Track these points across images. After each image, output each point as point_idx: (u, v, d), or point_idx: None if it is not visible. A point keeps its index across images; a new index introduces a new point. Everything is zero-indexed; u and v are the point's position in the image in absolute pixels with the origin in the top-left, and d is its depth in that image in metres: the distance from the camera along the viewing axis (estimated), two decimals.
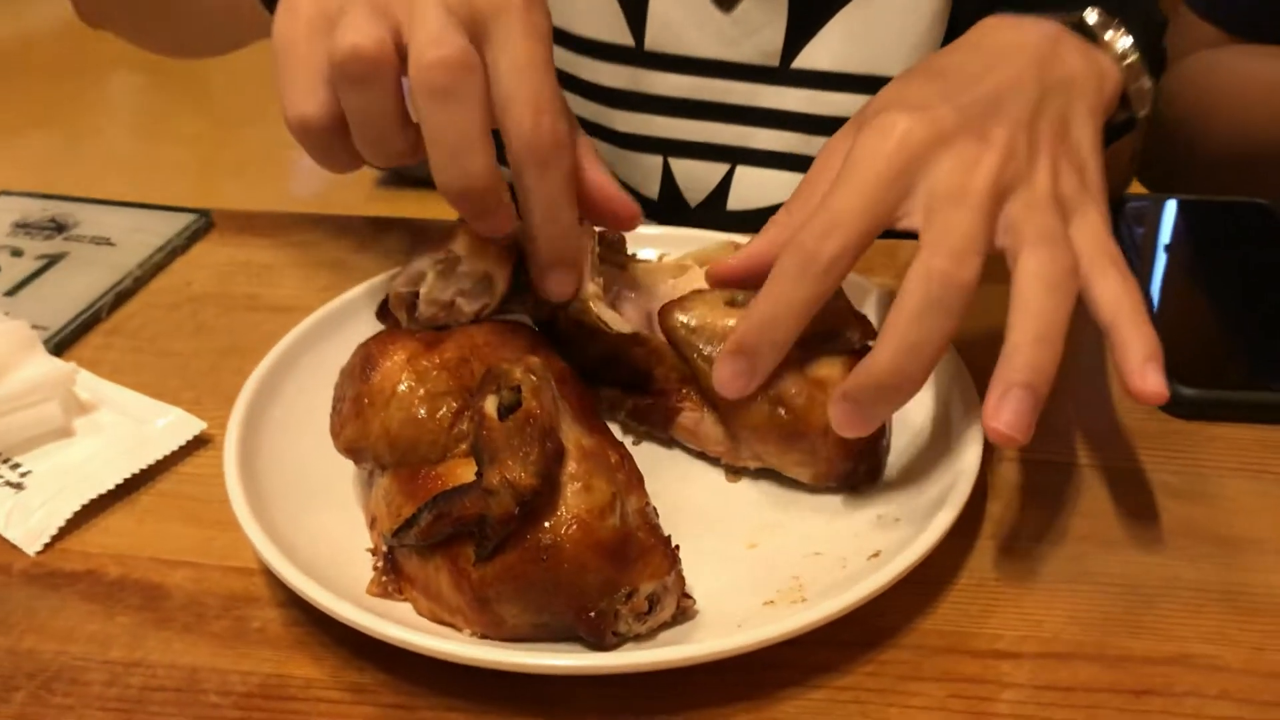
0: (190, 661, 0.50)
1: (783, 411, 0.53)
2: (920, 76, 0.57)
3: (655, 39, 0.83)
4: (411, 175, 2.22)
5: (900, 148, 0.50)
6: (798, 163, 0.84)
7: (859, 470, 0.55)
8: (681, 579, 0.50)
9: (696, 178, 0.86)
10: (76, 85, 3.25)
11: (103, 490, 0.59)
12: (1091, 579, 0.52)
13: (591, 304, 0.57)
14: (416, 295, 0.56)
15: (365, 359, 0.54)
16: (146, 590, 0.54)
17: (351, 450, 0.53)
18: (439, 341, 0.54)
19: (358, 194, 2.61)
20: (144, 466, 0.60)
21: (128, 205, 0.85)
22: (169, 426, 0.63)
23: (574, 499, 0.47)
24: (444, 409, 0.51)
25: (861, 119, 0.54)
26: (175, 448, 0.62)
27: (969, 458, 0.54)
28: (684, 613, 0.50)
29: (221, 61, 0.96)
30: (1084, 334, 0.63)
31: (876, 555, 0.52)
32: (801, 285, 0.49)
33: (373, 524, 0.54)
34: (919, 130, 0.50)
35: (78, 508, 0.57)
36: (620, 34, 0.83)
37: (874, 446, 0.55)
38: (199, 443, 0.63)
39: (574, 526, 0.47)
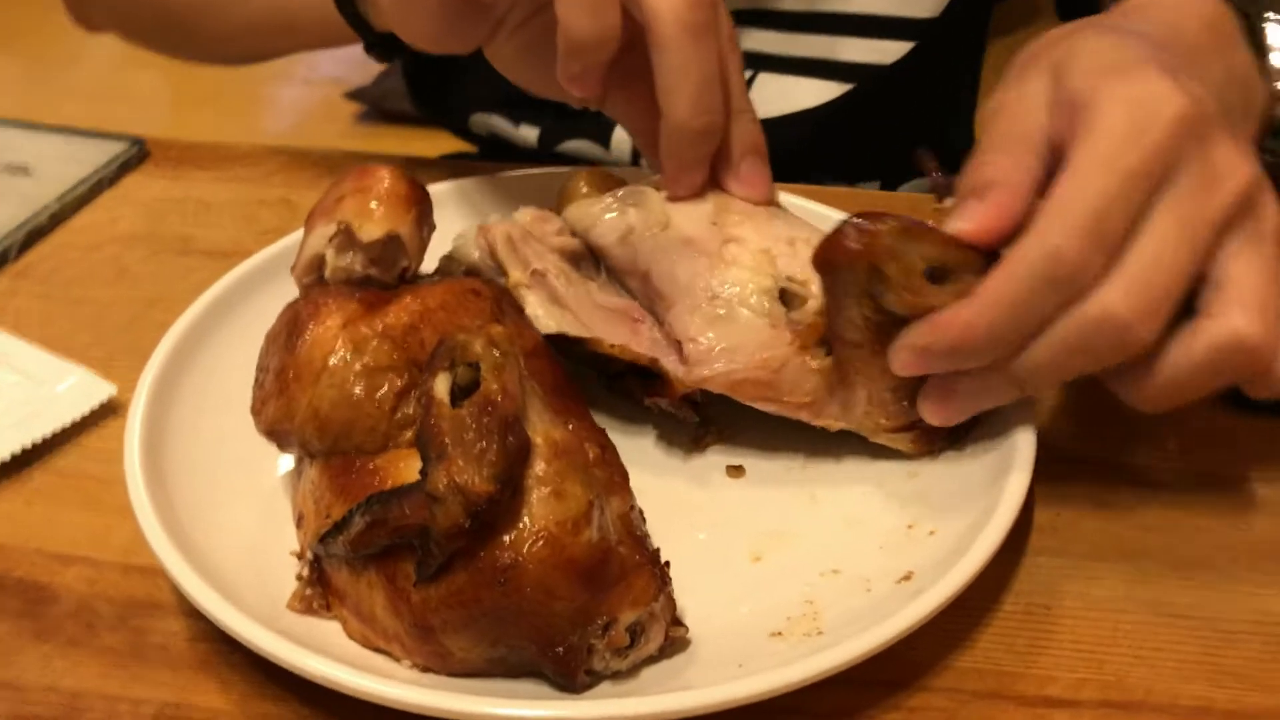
0: (72, 685, 0.42)
1: None
2: (1134, 37, 0.45)
3: None
4: (391, 109, 2.13)
5: (1173, 132, 0.40)
6: (826, 68, 0.76)
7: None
8: (672, 602, 0.41)
9: None
10: (41, 7, 3.13)
11: None
12: (1162, 609, 0.44)
13: (522, 294, 0.48)
14: (322, 279, 0.48)
15: (292, 323, 0.45)
16: (29, 592, 0.46)
17: (274, 433, 0.45)
18: (383, 303, 0.45)
19: (336, 129, 2.50)
20: (39, 439, 0.52)
21: (51, 129, 0.75)
22: (72, 390, 0.54)
23: (541, 508, 0.38)
24: (385, 387, 0.43)
25: (1076, 66, 0.43)
26: (78, 416, 0.53)
27: (1019, 460, 0.45)
28: (674, 644, 0.41)
29: None
30: None
31: (908, 578, 0.43)
32: (1050, 296, 0.41)
33: (300, 522, 0.45)
34: (1191, 111, 0.41)
35: None
36: None
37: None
38: (107, 410, 0.54)
39: (540, 543, 0.38)
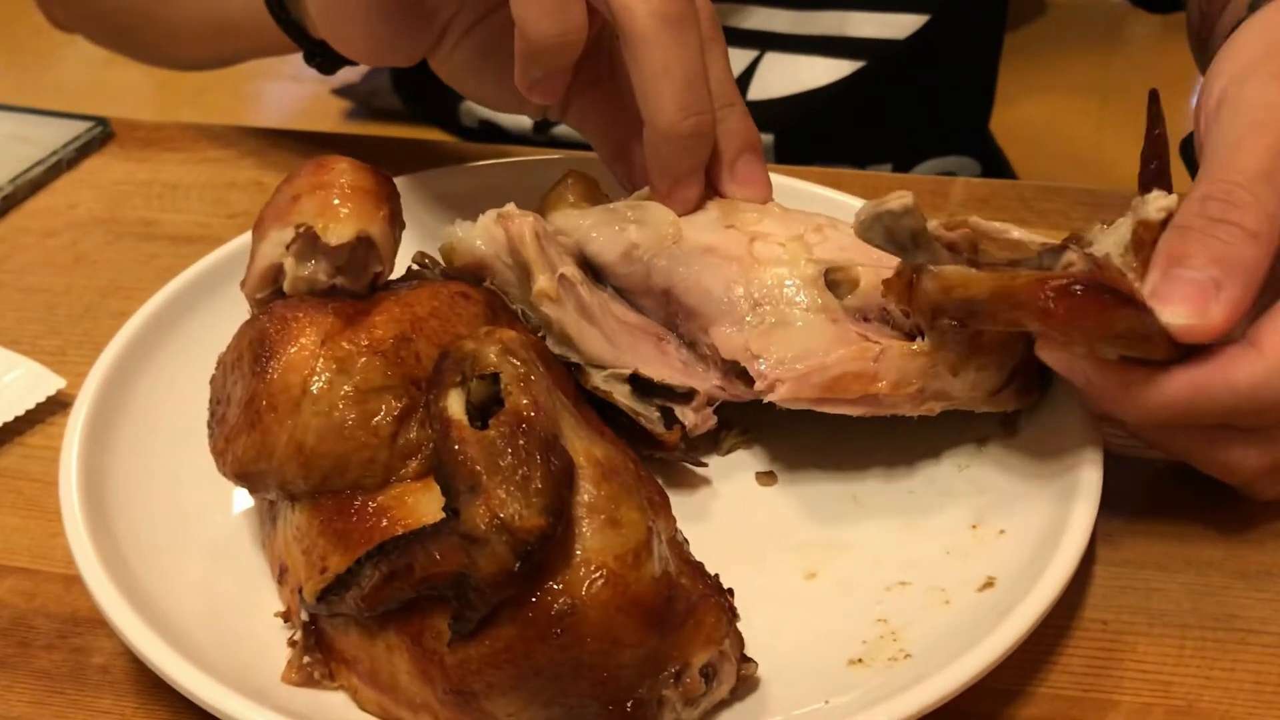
0: (1, 712, 0.36)
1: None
2: None
3: None
4: (380, 107, 2.08)
5: None
6: (836, 45, 0.72)
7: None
8: (740, 638, 0.33)
9: None
10: (24, 3, 3.09)
11: None
12: (1235, 624, 0.38)
13: (546, 309, 0.40)
14: (280, 294, 0.39)
15: (259, 344, 0.35)
16: None
17: (246, 475, 0.35)
18: (363, 314, 0.36)
19: (323, 127, 2.46)
20: None
21: (8, 108, 0.66)
22: (17, 383, 0.46)
23: (596, 540, 0.31)
24: (382, 411, 0.35)
25: None
26: (21, 412, 0.45)
27: (1088, 455, 0.39)
28: (745, 682, 0.33)
29: None
30: None
31: (990, 585, 0.36)
32: None
33: (282, 576, 0.36)
34: None
35: None
36: None
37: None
38: (54, 406, 0.46)
39: (600, 582, 0.30)
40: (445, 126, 0.81)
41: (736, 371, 0.41)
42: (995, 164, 0.90)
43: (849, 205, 0.51)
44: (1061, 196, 0.60)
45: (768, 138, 0.71)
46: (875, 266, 0.40)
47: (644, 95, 0.40)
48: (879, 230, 0.39)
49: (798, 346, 0.39)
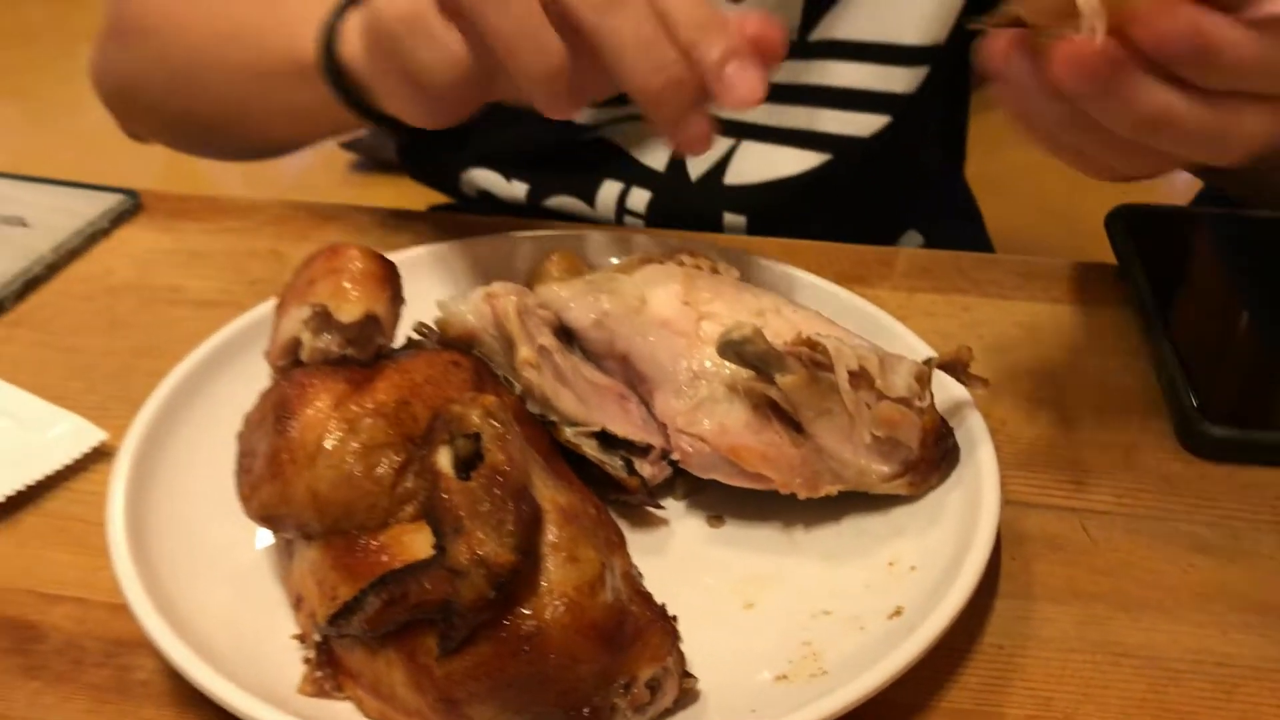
0: (59, 719, 0.41)
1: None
2: None
3: None
4: (387, 160, 2.15)
5: None
6: (805, 138, 0.76)
7: (947, 445, 0.47)
8: (682, 656, 0.39)
9: None
10: (44, 53, 2.93)
11: None
12: (1110, 648, 0.43)
13: (527, 375, 0.46)
14: (298, 361, 0.45)
15: (280, 406, 0.41)
16: (20, 630, 0.44)
17: (269, 518, 0.41)
18: (368, 380, 0.42)
19: (331, 178, 2.50)
20: (31, 481, 0.49)
21: (47, 181, 0.71)
22: (64, 435, 0.51)
23: (558, 574, 0.37)
24: (384, 464, 0.40)
25: None
26: (69, 460, 0.50)
27: (988, 493, 0.45)
28: (687, 695, 0.39)
29: None
30: (1103, 362, 0.58)
31: (898, 613, 0.42)
32: None
33: (298, 603, 0.41)
34: None
35: None
36: None
37: (947, 430, 0.48)
38: (97, 455, 0.51)
39: (561, 608, 0.36)
40: (445, 192, 0.86)
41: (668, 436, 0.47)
42: (971, 220, 0.95)
43: (803, 280, 0.58)
44: (998, 267, 0.67)
45: (741, 219, 0.75)
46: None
47: (613, 72, 0.46)
48: (733, 355, 0.45)
49: (718, 422, 0.45)
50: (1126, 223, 0.65)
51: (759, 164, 0.76)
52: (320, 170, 2.47)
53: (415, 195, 0.89)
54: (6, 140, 2.51)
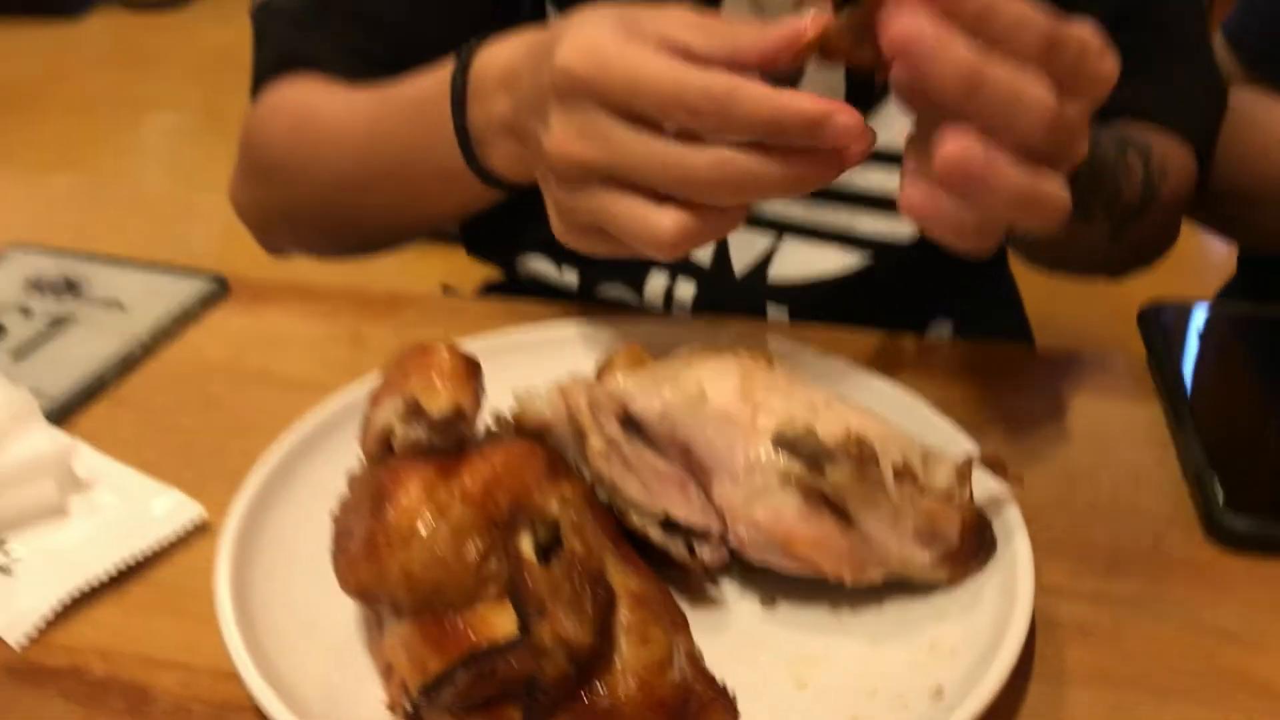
0: None
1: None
2: None
3: None
4: (446, 229, 2.18)
5: None
6: (845, 239, 0.79)
7: (985, 537, 0.51)
8: None
9: (745, 245, 0.81)
10: (103, 125, 2.98)
11: (94, 579, 0.52)
12: None
13: (597, 464, 0.49)
14: (390, 448, 0.49)
15: (377, 492, 0.45)
16: (131, 692, 0.47)
17: (365, 594, 0.45)
18: (455, 469, 0.46)
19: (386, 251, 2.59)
20: (137, 554, 0.53)
21: (141, 266, 0.76)
22: (167, 510, 0.56)
23: (631, 653, 0.40)
24: (470, 548, 0.44)
25: None
26: (171, 534, 0.54)
27: (1023, 581, 0.48)
28: None
29: None
30: (1134, 454, 0.61)
31: (939, 694, 0.45)
32: None
33: (388, 673, 0.45)
34: None
35: (67, 597, 0.51)
36: None
37: (984, 523, 0.51)
38: (197, 529, 0.55)
39: (634, 686, 0.40)
40: (502, 270, 0.90)
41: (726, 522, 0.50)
42: (1010, 306, 0.98)
43: (850, 372, 0.62)
44: (1033, 358, 0.71)
45: (783, 312, 0.78)
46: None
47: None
48: (786, 449, 0.49)
49: (772, 511, 0.49)
50: (1157, 318, 0.69)
51: (801, 262, 0.79)
52: None
53: (469, 266, 0.94)
54: (68, 212, 2.58)
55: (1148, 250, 0.80)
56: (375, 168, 0.71)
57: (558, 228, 0.56)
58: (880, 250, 0.79)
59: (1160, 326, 0.68)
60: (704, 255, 0.81)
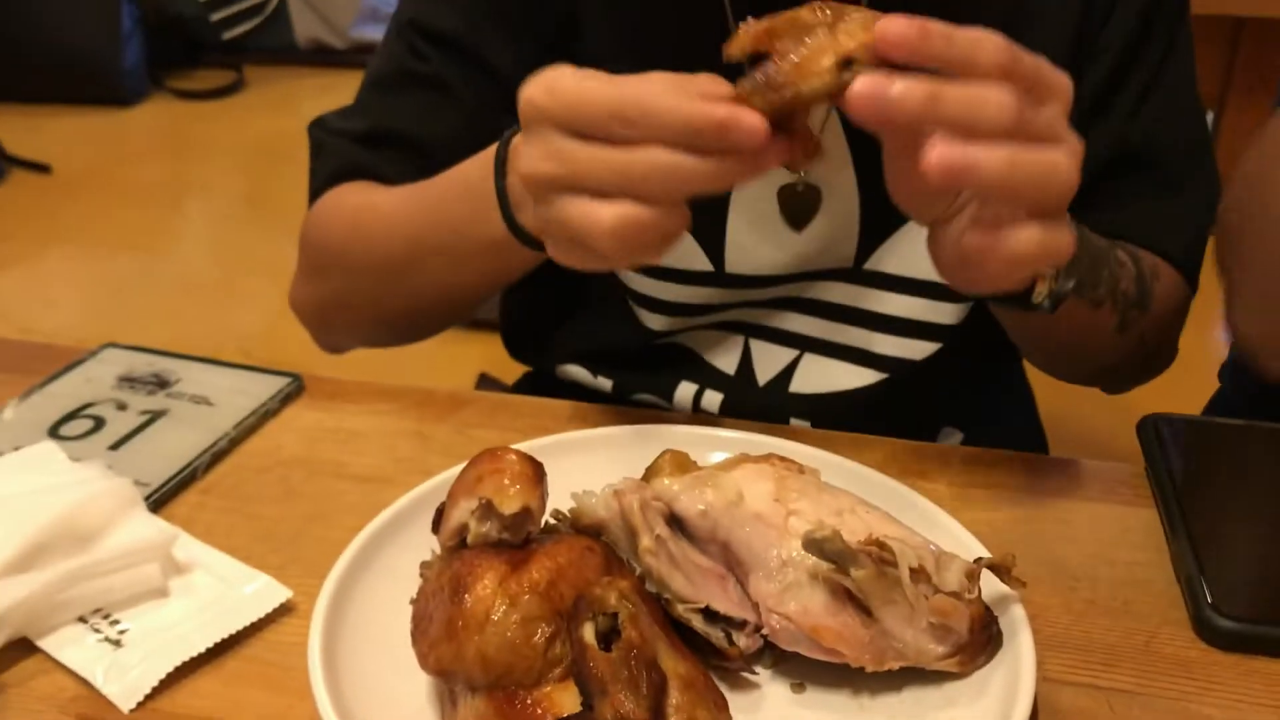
0: None
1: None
2: None
3: (734, 262, 0.82)
4: (484, 318, 2.24)
5: None
6: (863, 357, 0.84)
7: (992, 632, 0.56)
8: None
9: (769, 358, 0.86)
10: (159, 211, 3.08)
11: (194, 653, 0.58)
12: None
13: (647, 560, 0.55)
14: (464, 542, 0.55)
15: (455, 582, 0.52)
16: None
17: (443, 672, 0.51)
18: (524, 563, 0.52)
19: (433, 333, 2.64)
20: (232, 631, 0.59)
21: (225, 365, 0.84)
22: (257, 593, 0.62)
23: None
24: (538, 633, 0.50)
25: None
26: (262, 614, 0.60)
27: (1026, 673, 0.53)
28: None
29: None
30: (1131, 557, 0.66)
31: None
32: None
33: None
34: None
35: (171, 669, 0.57)
36: (699, 261, 0.82)
37: (991, 618, 0.56)
38: (284, 610, 0.61)
39: None
40: (541, 367, 0.96)
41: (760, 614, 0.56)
42: (1022, 409, 1.03)
43: (873, 478, 0.68)
44: (1039, 467, 0.76)
45: (805, 422, 0.83)
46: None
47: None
48: (815, 550, 0.54)
49: (802, 604, 0.55)
50: (1155, 430, 0.75)
51: (820, 377, 0.84)
52: None
53: (506, 356, 1.01)
54: (126, 295, 2.64)
55: (1152, 348, 0.84)
56: (428, 245, 0.78)
57: (549, 248, 0.62)
58: (896, 368, 0.84)
59: (1157, 436, 0.74)
60: (729, 365, 0.87)
